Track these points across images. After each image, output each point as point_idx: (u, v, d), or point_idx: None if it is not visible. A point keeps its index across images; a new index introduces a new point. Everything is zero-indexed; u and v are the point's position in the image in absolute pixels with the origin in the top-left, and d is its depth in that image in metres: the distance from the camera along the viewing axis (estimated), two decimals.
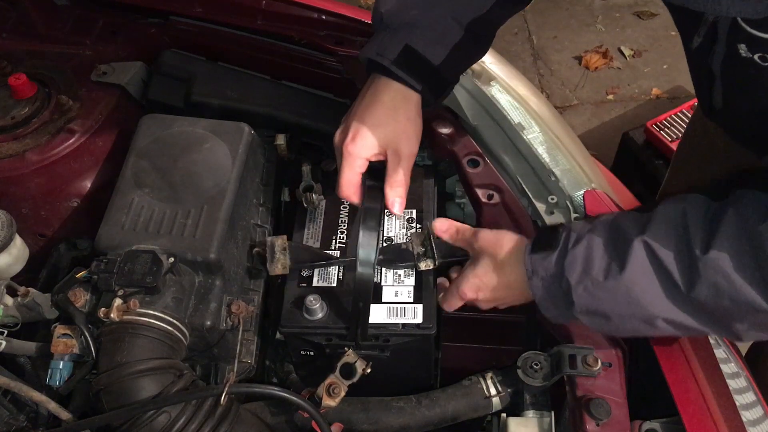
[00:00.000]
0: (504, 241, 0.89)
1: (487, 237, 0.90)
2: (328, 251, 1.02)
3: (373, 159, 0.93)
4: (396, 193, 0.93)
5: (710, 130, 1.02)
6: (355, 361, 0.92)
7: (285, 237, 0.99)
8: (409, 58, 0.92)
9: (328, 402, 0.89)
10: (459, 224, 0.95)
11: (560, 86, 2.82)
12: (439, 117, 1.15)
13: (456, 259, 0.97)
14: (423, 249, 0.97)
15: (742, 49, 0.74)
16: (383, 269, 0.99)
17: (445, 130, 1.14)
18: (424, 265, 0.97)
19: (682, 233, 0.74)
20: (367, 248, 0.87)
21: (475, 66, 1.19)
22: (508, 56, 1.35)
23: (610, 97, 2.76)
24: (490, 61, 1.22)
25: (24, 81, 1.13)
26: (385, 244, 1.02)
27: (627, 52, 2.88)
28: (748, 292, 0.69)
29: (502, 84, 1.16)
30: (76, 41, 1.28)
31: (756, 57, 0.73)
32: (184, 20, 1.29)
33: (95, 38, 1.29)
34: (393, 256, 1.00)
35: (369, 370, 0.92)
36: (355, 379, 0.91)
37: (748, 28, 0.71)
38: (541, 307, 0.84)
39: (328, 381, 0.91)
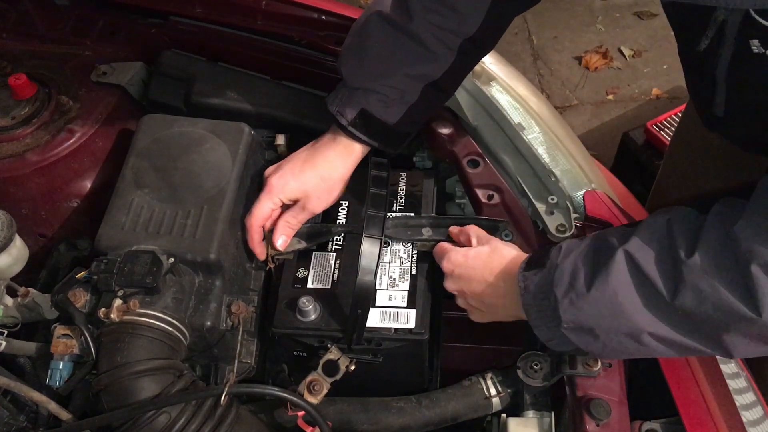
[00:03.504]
0: (504, 247, 0.93)
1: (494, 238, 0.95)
2: (325, 252, 1.02)
3: (287, 202, 1.00)
4: (281, 231, 0.99)
5: (703, 127, 1.01)
6: (339, 358, 0.92)
7: None
8: (365, 120, 0.97)
9: (310, 399, 0.89)
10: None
11: (560, 86, 2.82)
12: (439, 117, 1.15)
13: None
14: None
15: (755, 45, 0.72)
16: (379, 273, 0.99)
17: (445, 131, 1.13)
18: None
19: (666, 241, 0.74)
20: (369, 257, 0.88)
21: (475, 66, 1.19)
22: (508, 56, 1.34)
23: (610, 97, 2.76)
24: (490, 61, 1.22)
25: (24, 81, 1.13)
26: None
27: (627, 52, 2.87)
28: (727, 297, 0.68)
29: (502, 84, 1.16)
30: (76, 41, 1.28)
31: None
32: (184, 20, 1.29)
33: (95, 38, 1.29)
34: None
35: (353, 368, 0.92)
36: (338, 377, 0.91)
37: (763, 21, 0.69)
38: (534, 328, 0.83)
39: (309, 378, 0.90)
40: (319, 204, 1.01)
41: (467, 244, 0.96)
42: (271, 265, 1.03)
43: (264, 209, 0.99)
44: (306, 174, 0.99)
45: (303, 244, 1.01)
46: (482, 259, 0.91)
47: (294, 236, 1.02)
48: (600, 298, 0.76)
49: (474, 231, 0.96)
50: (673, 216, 0.76)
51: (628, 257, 0.75)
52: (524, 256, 0.89)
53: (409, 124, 1.01)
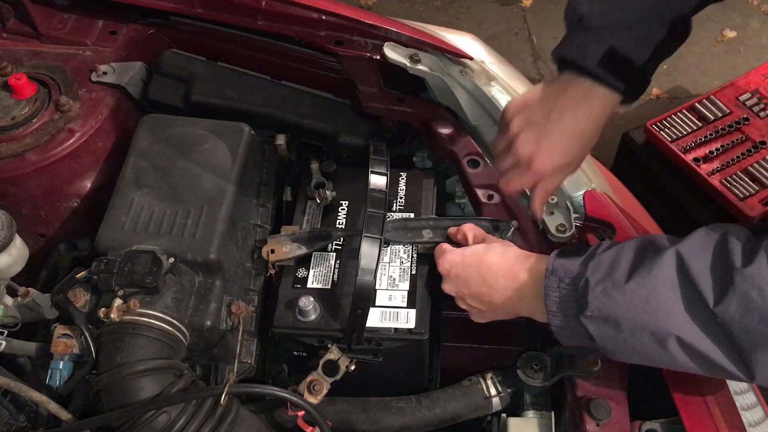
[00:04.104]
0: (501, 244, 0.92)
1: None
2: (324, 252, 1.02)
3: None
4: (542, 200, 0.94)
5: None
6: (339, 358, 0.92)
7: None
8: (613, 59, 0.88)
9: (310, 399, 0.89)
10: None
11: None
12: (439, 117, 1.15)
13: None
14: None
15: None
16: (379, 273, 0.99)
17: (445, 131, 1.13)
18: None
19: (721, 249, 0.72)
20: (368, 257, 0.88)
21: (475, 66, 1.19)
22: (508, 56, 1.34)
23: None
24: (490, 61, 1.22)
25: (24, 81, 1.13)
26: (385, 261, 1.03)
27: None
28: None
29: (502, 84, 1.16)
30: (76, 41, 1.28)
31: None
32: (184, 20, 1.28)
33: (95, 38, 1.29)
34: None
35: (353, 368, 0.92)
36: (338, 377, 0.91)
37: None
38: (549, 314, 0.82)
39: (309, 378, 0.90)
40: (578, 165, 0.94)
41: (464, 242, 0.96)
42: (272, 272, 1.02)
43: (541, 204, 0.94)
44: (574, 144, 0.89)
45: (303, 250, 1.01)
46: (478, 257, 0.91)
47: (294, 242, 1.01)
48: (637, 291, 0.74)
49: (470, 229, 0.96)
50: (730, 230, 0.74)
51: (678, 257, 0.73)
52: (521, 252, 0.89)
53: (651, 69, 0.94)
